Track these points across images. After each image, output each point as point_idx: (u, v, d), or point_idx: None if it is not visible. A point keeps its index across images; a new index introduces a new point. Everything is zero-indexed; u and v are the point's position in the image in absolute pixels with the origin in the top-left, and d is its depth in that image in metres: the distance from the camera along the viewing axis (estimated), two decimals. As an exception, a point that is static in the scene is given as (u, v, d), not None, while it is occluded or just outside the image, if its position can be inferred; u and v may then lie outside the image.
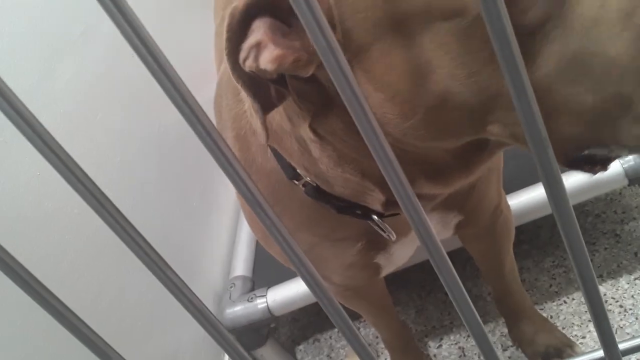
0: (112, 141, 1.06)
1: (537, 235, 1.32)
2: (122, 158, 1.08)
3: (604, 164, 0.45)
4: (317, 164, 0.58)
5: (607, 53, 0.36)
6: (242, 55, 0.45)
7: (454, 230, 0.81)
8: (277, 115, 0.58)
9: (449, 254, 0.29)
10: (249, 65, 0.45)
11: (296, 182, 0.63)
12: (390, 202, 0.60)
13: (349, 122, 0.51)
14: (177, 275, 0.30)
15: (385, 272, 0.81)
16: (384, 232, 0.66)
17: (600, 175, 1.09)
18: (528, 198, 1.08)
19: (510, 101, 0.40)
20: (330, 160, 0.57)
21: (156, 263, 0.29)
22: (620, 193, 1.29)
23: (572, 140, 0.42)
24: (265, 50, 0.44)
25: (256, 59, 0.45)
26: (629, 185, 1.07)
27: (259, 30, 0.45)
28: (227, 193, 1.54)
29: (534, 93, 0.39)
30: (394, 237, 0.66)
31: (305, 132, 0.55)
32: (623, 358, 0.37)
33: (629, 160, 1.05)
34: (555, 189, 0.26)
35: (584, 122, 0.40)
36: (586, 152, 0.43)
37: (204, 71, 1.23)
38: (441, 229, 0.77)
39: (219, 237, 1.46)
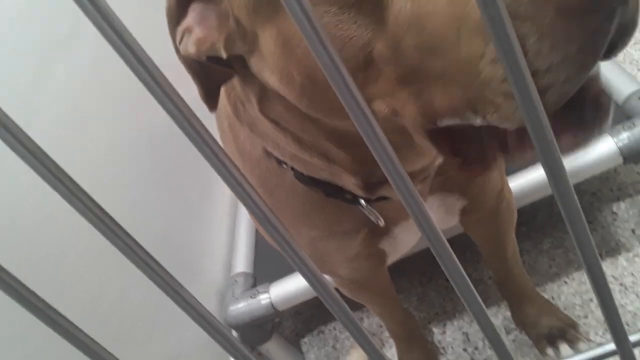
0: (105, 144, 1.06)
1: (534, 217, 1.33)
2: (117, 160, 1.08)
3: (466, 146, 0.43)
4: (287, 148, 0.57)
5: (439, 12, 0.34)
6: (177, 39, 0.48)
7: (459, 216, 0.80)
8: (245, 100, 0.57)
9: (448, 240, 0.29)
10: (182, 49, 0.48)
11: (285, 166, 0.61)
12: (369, 185, 0.59)
13: (286, 104, 0.51)
14: (175, 279, 0.30)
15: (390, 259, 0.80)
16: (372, 217, 0.65)
17: (595, 154, 1.09)
18: (526, 180, 1.08)
19: (380, 77, 0.40)
20: (295, 145, 0.56)
21: (152, 268, 0.29)
22: (615, 170, 1.30)
23: (423, 109, 0.40)
24: (193, 34, 0.47)
25: (186, 43, 0.47)
26: (624, 163, 1.07)
27: (191, 14, 0.47)
28: (223, 190, 1.54)
29: (382, 63, 0.38)
30: (382, 223, 0.65)
31: (260, 117, 0.55)
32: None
33: (624, 138, 1.05)
34: (555, 171, 0.26)
35: (437, 91, 0.38)
36: (439, 124, 0.41)
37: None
38: (445, 215, 0.77)
39: (218, 234, 1.46)
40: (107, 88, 1.11)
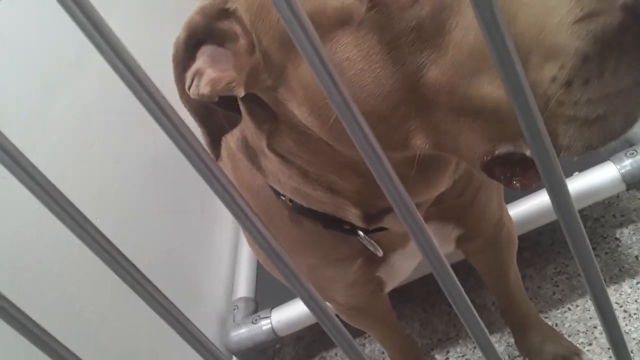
0: (109, 168, 1.07)
1: (538, 242, 1.32)
2: (120, 184, 1.09)
3: (522, 167, 0.43)
4: (290, 182, 0.58)
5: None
6: (187, 83, 0.48)
7: (455, 244, 0.80)
8: (250, 133, 0.58)
9: (452, 266, 0.29)
10: (192, 92, 0.47)
11: (283, 198, 0.62)
12: (369, 216, 0.59)
13: (297, 139, 0.52)
14: (175, 307, 0.30)
15: (388, 287, 0.80)
16: (371, 247, 0.65)
17: (598, 180, 1.09)
18: (529, 207, 1.08)
19: (427, 108, 0.40)
20: (299, 178, 0.57)
21: (152, 295, 0.29)
22: (617, 197, 1.29)
23: (480, 140, 0.41)
24: (204, 76, 0.47)
25: (197, 85, 0.47)
26: (626, 190, 1.07)
27: (200, 58, 0.47)
28: (225, 215, 1.54)
29: (434, 91, 0.39)
30: (380, 253, 0.66)
31: (267, 152, 0.56)
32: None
33: (626, 165, 1.05)
34: (560, 197, 0.26)
35: (488, 118, 0.38)
36: (496, 152, 0.41)
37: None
38: (441, 242, 0.77)
39: (220, 259, 1.45)
40: (110, 115, 1.12)
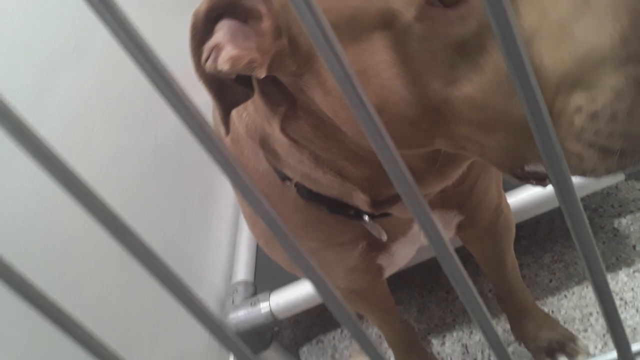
0: (109, 154, 1.07)
1: (535, 231, 1.33)
2: (120, 170, 1.09)
3: (538, 178, 0.45)
4: (299, 166, 0.59)
5: (544, 66, 0.36)
6: (204, 56, 0.47)
7: (456, 230, 0.81)
8: (259, 118, 0.58)
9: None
10: (209, 66, 0.46)
11: (288, 183, 0.63)
12: (377, 202, 0.60)
13: (314, 124, 0.52)
14: (178, 278, 0.31)
15: (387, 273, 0.81)
16: (375, 232, 0.66)
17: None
18: (527, 195, 1.09)
19: (454, 114, 0.41)
20: (310, 163, 0.57)
21: (157, 266, 0.30)
22: (616, 187, 1.30)
23: (510, 155, 0.42)
24: (223, 51, 0.46)
25: (215, 60, 0.46)
26: (625, 180, 1.08)
27: (219, 32, 0.46)
28: (225, 199, 1.54)
29: (467, 106, 0.40)
30: (384, 237, 0.67)
31: (279, 136, 0.56)
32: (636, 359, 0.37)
33: (625, 154, 1.06)
34: (564, 187, 0.26)
35: (519, 137, 0.40)
36: (526, 168, 0.43)
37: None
38: (443, 229, 0.77)
39: (220, 243, 1.46)
40: (111, 101, 1.12)
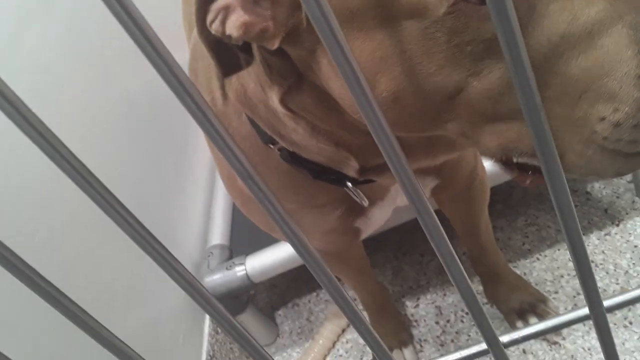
0: (79, 112, 1.04)
1: (509, 195, 1.35)
2: (92, 129, 1.06)
3: (534, 172, 0.47)
4: (291, 134, 0.58)
5: (570, 72, 0.37)
6: (210, 16, 0.44)
7: (430, 193, 0.82)
8: (252, 83, 0.57)
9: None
10: (215, 29, 0.44)
11: (272, 146, 0.62)
12: (365, 169, 0.61)
13: (319, 98, 0.52)
14: (155, 238, 0.30)
15: (364, 235, 0.82)
16: (357, 198, 0.66)
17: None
18: (502, 158, 1.09)
19: (469, 104, 0.42)
20: (305, 132, 0.57)
21: (131, 224, 0.29)
22: (589, 151, 1.32)
23: (504, 145, 0.43)
24: (233, 15, 0.43)
25: (223, 22, 0.43)
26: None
27: None
28: (201, 162, 1.53)
29: (483, 96, 0.40)
30: (366, 203, 0.67)
31: (277, 107, 0.55)
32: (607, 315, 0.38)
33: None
34: (547, 150, 0.26)
35: (521, 130, 0.41)
36: (514, 159, 0.45)
37: (172, 37, 1.20)
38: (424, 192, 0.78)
39: (195, 206, 1.45)
40: (82, 54, 1.09)
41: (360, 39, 0.42)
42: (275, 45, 0.45)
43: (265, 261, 1.20)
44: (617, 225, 1.19)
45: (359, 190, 0.66)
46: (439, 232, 0.30)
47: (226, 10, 0.43)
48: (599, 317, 0.37)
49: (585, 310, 0.39)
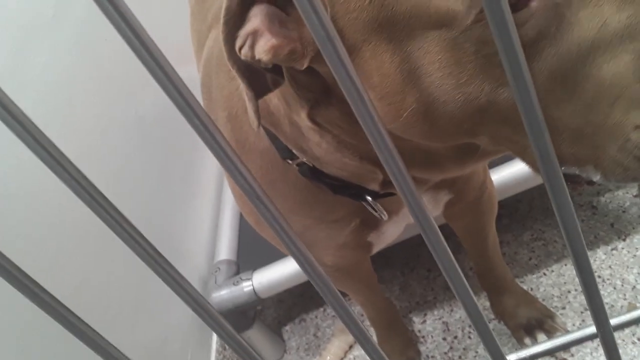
0: (89, 128, 1.05)
1: (516, 209, 1.35)
2: (100, 145, 1.07)
3: (573, 181, 0.46)
4: (315, 148, 0.59)
5: (602, 78, 0.37)
6: (239, 42, 0.44)
7: (443, 208, 0.82)
8: (275, 98, 0.57)
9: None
10: (244, 54, 0.44)
11: (290, 162, 0.63)
12: (388, 182, 0.61)
13: (347, 112, 0.52)
14: (163, 257, 0.31)
15: (376, 249, 0.82)
16: (376, 212, 0.67)
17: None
18: (508, 173, 1.10)
19: (500, 115, 0.42)
20: (330, 146, 0.57)
21: (140, 244, 0.29)
22: (595, 166, 1.31)
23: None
24: (262, 39, 0.44)
25: (252, 47, 0.44)
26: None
27: (256, 17, 0.44)
28: (208, 177, 1.53)
29: (515, 108, 0.40)
30: (385, 217, 0.67)
31: (303, 121, 0.55)
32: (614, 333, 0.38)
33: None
34: (546, 159, 0.27)
35: (564, 141, 0.41)
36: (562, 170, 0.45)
37: (179, 52, 1.21)
38: (431, 208, 0.78)
39: (202, 221, 1.45)
40: (92, 70, 1.10)
41: (390, 52, 0.42)
42: (304, 65, 0.45)
43: (272, 276, 1.20)
44: (624, 239, 1.19)
45: (378, 204, 0.66)
46: (442, 248, 0.30)
47: (254, 35, 0.44)
48: (606, 336, 0.37)
49: (592, 329, 0.38)
